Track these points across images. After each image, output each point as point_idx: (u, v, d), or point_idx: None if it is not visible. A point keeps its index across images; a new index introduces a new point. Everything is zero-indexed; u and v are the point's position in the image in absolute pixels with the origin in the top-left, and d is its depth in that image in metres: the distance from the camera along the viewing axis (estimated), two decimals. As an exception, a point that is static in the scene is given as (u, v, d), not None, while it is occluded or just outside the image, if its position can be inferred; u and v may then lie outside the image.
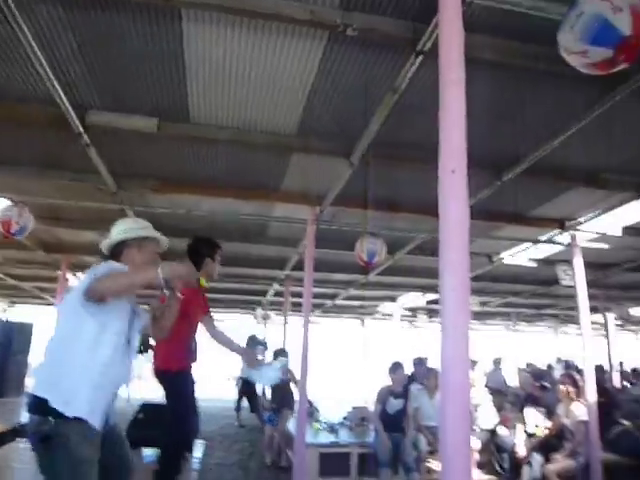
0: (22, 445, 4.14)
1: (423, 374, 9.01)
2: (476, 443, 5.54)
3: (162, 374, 3.50)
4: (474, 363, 7.96)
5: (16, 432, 4.54)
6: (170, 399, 3.45)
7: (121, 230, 2.28)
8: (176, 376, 3.41)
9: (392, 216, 5.14)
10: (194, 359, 3.65)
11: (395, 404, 5.45)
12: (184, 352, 3.50)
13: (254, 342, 10.95)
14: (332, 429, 6.28)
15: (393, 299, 11.14)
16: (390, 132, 3.40)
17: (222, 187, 4.57)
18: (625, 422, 6.15)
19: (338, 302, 11.18)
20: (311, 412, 6.58)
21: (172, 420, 3.36)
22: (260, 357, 11.04)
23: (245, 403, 10.11)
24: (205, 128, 3.47)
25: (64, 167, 4.20)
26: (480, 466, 6.15)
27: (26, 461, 3.47)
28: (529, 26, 2.20)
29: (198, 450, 4.73)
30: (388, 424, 5.43)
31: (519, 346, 13.78)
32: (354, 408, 6.82)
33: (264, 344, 11.36)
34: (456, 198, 1.77)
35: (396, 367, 5.68)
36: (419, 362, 9.60)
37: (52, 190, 4.77)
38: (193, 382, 3.59)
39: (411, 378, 6.76)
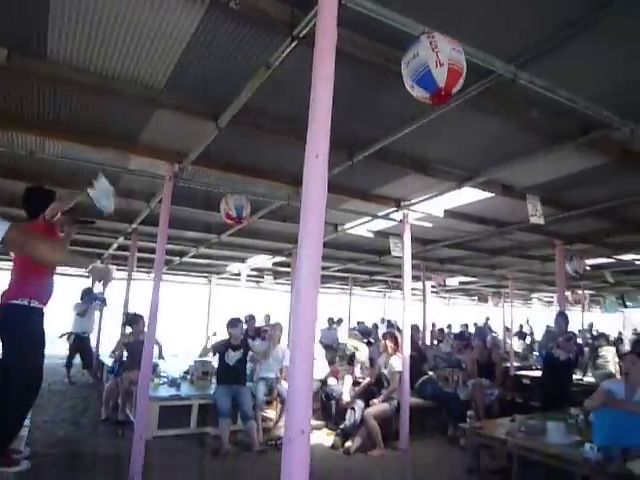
0: None
1: (253, 328, 9.62)
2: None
3: (8, 308, 3.02)
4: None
5: None
6: (14, 341, 2.98)
7: None
8: (30, 313, 3.01)
9: (252, 181, 5.30)
10: (48, 298, 3.23)
11: (233, 356, 5.79)
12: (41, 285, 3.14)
13: (90, 297, 10.31)
14: (173, 383, 6.39)
15: (243, 260, 11.38)
16: (259, 103, 3.54)
17: (72, 131, 4.23)
18: (430, 373, 7.37)
19: (186, 260, 11.05)
20: (153, 367, 6.58)
21: (12, 368, 2.94)
22: (97, 312, 10.50)
23: (77, 360, 9.60)
24: (63, 68, 3.19)
25: None
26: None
27: None
28: (393, 34, 2.50)
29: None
30: (227, 375, 5.75)
31: (353, 307, 15.14)
32: (196, 362, 6.97)
33: (102, 299, 10.73)
34: (317, 179, 1.99)
35: (234, 322, 6.03)
36: (250, 318, 10.18)
37: None
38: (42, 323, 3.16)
39: (247, 333, 7.12)
